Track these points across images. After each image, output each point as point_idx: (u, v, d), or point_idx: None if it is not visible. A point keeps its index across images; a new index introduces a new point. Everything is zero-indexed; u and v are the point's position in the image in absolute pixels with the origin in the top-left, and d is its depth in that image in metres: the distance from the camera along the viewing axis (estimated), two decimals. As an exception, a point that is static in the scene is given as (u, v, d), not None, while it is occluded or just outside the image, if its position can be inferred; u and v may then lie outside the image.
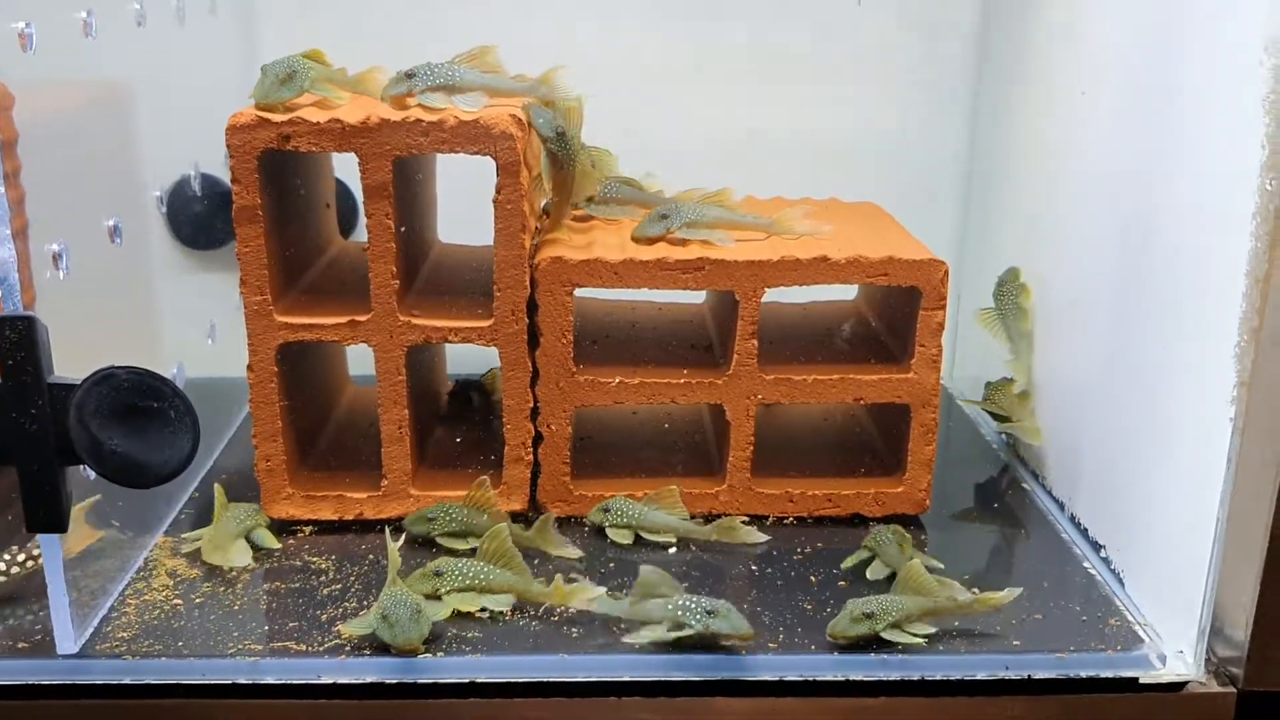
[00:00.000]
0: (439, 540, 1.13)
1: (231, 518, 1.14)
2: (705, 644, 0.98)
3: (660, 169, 1.30)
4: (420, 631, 0.96)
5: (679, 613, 0.98)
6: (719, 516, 1.19)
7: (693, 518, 1.18)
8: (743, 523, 1.16)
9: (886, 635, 0.99)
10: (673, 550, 1.14)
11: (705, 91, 1.55)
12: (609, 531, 1.16)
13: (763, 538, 1.16)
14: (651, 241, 1.18)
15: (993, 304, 1.35)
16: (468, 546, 1.12)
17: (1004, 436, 1.39)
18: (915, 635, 0.99)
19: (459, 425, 1.35)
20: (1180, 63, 1.02)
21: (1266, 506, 0.93)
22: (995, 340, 1.35)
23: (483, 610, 1.02)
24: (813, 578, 1.10)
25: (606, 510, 1.17)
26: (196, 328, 1.39)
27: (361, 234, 1.18)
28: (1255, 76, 0.90)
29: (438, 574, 1.03)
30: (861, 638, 0.98)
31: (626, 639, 0.99)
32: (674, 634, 0.97)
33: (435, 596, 1.02)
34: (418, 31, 1.51)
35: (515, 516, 1.17)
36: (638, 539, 1.16)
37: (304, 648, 0.98)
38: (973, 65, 1.55)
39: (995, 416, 1.37)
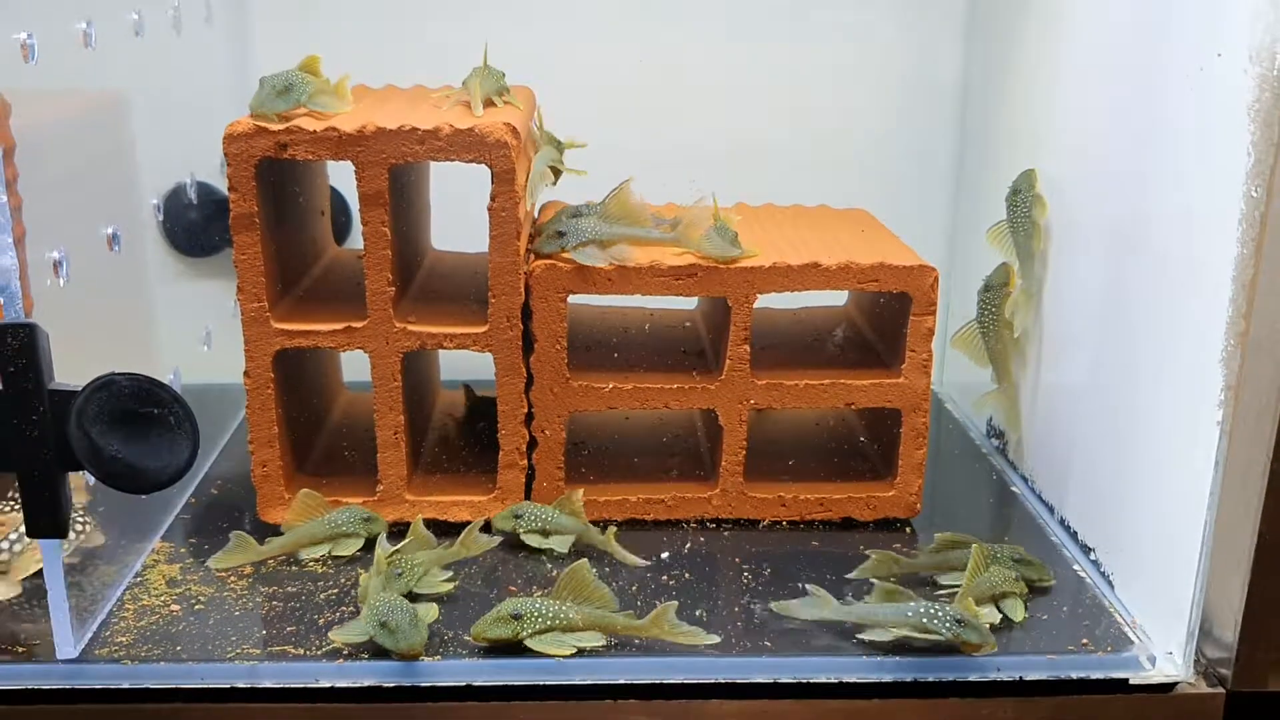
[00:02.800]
0: (419, 591, 1.07)
1: (328, 521, 1.14)
2: (945, 649, 0.99)
3: (647, 175, 1.27)
4: (421, 636, 0.96)
5: (925, 619, 0.98)
6: (714, 521, 1.21)
7: (684, 523, 1.20)
8: (612, 532, 1.15)
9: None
10: (665, 555, 1.15)
11: (694, 96, 1.56)
12: (524, 536, 1.15)
13: (639, 562, 1.13)
14: (548, 258, 1.17)
15: (1005, 215, 1.29)
16: (451, 586, 1.08)
17: (989, 430, 1.38)
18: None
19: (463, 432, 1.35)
20: (1166, 71, 1.03)
21: (1254, 509, 0.95)
22: (1003, 254, 1.29)
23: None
24: (803, 583, 1.10)
25: (518, 516, 1.16)
26: (192, 334, 1.39)
27: (356, 241, 1.19)
28: (1240, 85, 0.91)
29: (515, 617, 0.99)
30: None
31: (863, 636, 1.00)
32: (915, 638, 0.99)
33: (516, 641, 0.98)
34: (412, 40, 1.51)
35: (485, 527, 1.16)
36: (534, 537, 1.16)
37: (302, 651, 0.98)
38: (960, 72, 1.56)
39: (983, 326, 1.31)
